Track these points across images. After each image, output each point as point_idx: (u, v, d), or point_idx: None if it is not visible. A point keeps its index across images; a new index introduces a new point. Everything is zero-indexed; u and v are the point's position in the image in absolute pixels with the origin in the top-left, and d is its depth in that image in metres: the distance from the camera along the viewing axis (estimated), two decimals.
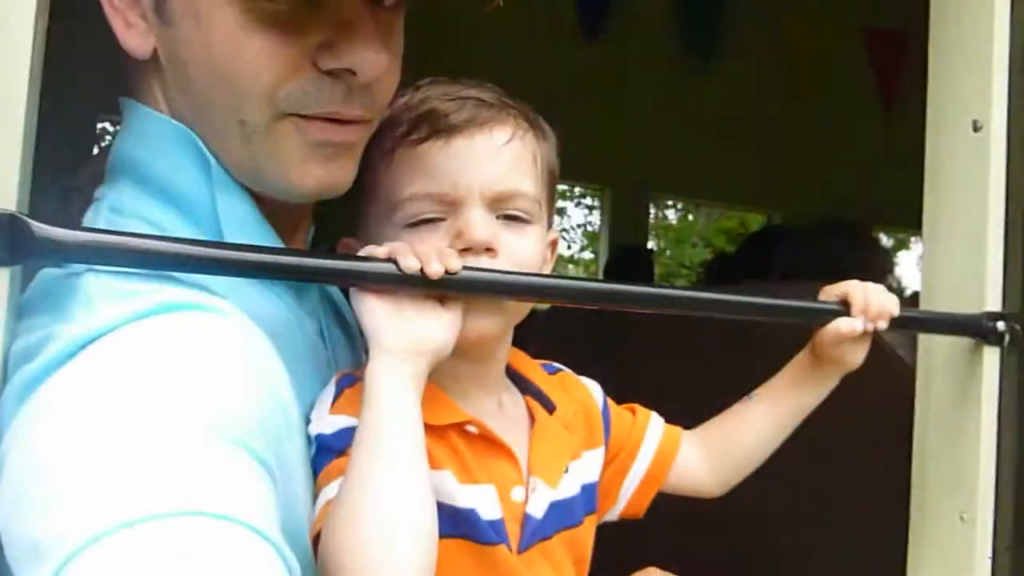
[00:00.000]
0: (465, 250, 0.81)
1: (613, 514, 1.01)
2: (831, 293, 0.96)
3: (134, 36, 0.76)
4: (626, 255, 3.87)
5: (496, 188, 0.84)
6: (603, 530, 0.97)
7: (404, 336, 0.74)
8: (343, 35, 0.75)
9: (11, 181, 0.64)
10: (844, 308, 0.94)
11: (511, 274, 0.81)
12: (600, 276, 3.99)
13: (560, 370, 1.01)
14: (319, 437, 0.79)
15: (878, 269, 2.03)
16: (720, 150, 4.15)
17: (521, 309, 0.88)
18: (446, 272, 0.74)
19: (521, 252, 0.85)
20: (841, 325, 0.93)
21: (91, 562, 0.51)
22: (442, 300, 0.78)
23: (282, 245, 0.82)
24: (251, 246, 0.73)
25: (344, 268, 0.76)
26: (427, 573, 0.69)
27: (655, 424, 1.03)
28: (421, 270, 0.74)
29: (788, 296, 0.95)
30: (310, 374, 0.84)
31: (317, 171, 0.79)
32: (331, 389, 0.82)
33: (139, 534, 0.52)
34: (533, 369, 0.97)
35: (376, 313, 0.75)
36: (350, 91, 0.77)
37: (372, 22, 0.77)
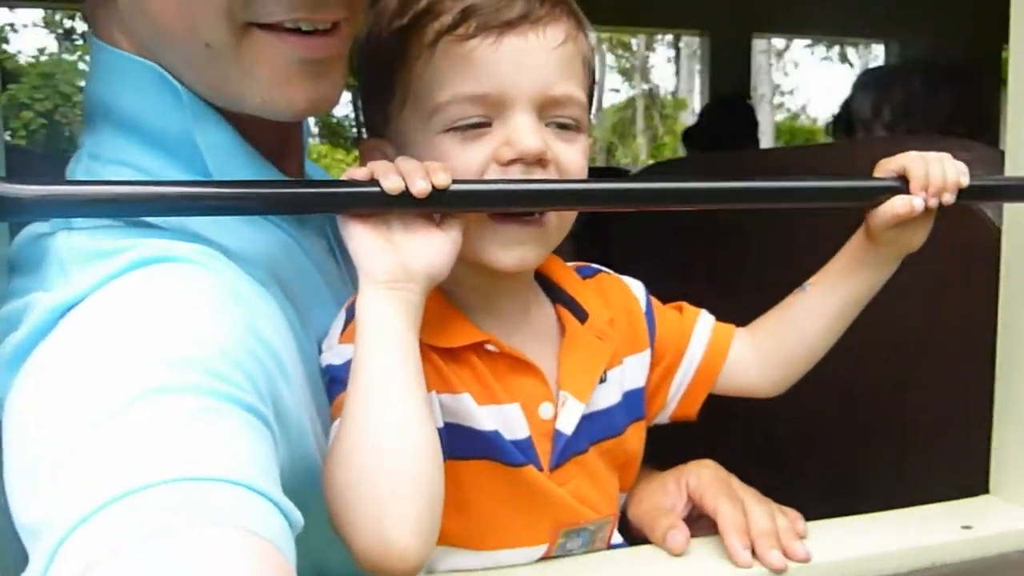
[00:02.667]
0: (512, 161, 0.76)
1: (664, 417, 0.97)
2: (886, 167, 0.85)
3: None
4: (727, 107, 3.65)
5: (549, 92, 0.77)
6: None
7: (392, 264, 0.70)
8: None
9: None
10: (902, 183, 0.84)
11: (507, 182, 0.75)
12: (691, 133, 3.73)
13: (599, 271, 0.95)
14: (329, 368, 0.77)
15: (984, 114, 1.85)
16: None
17: (565, 224, 0.82)
18: (434, 188, 0.69)
19: (572, 163, 0.79)
20: (897, 204, 0.83)
21: (84, 543, 0.51)
22: (439, 218, 0.73)
23: (268, 166, 0.79)
24: (213, 181, 0.70)
25: (322, 194, 0.71)
26: (432, 501, 0.67)
27: (704, 322, 0.96)
28: (406, 189, 0.69)
29: (836, 174, 0.85)
30: (323, 295, 0.81)
31: (303, 90, 0.74)
32: (342, 316, 0.79)
33: (129, 507, 0.51)
34: (566, 274, 0.92)
35: (362, 241, 0.70)
36: None
37: None
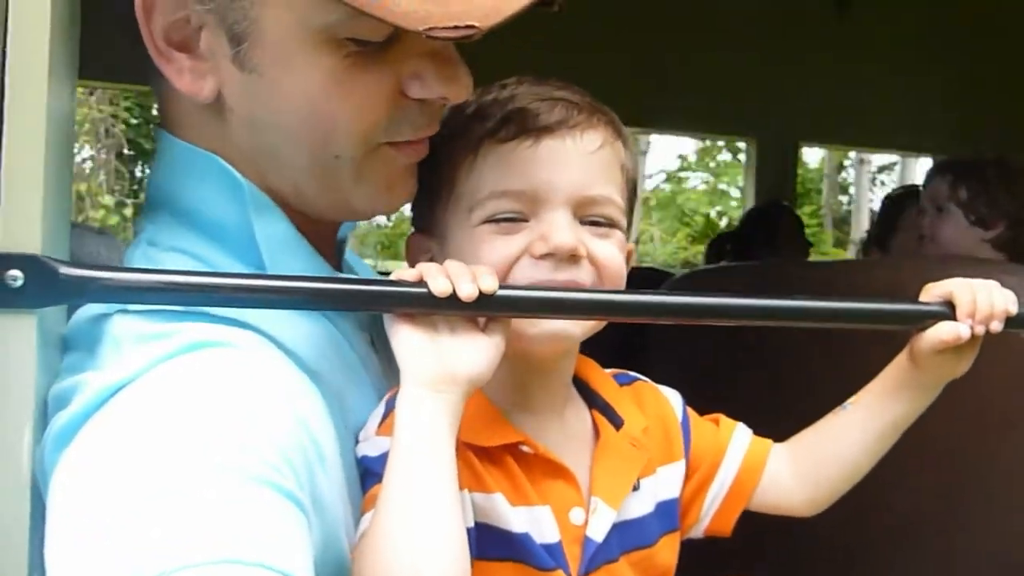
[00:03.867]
0: (545, 255, 0.78)
1: (698, 531, 0.95)
2: (933, 292, 0.86)
3: (190, 81, 0.75)
4: (767, 212, 3.66)
5: (584, 192, 0.81)
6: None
7: (437, 367, 0.71)
8: (430, 64, 0.76)
9: (34, 224, 0.65)
10: (949, 309, 0.84)
11: (552, 290, 0.76)
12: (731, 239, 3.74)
13: (636, 379, 0.96)
14: (364, 459, 0.78)
15: None
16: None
17: (595, 323, 0.83)
18: (481, 293, 0.70)
19: (608, 258, 0.81)
20: (943, 330, 0.82)
21: None
22: (483, 322, 0.74)
23: (320, 259, 0.81)
24: (268, 275, 0.72)
25: (371, 292, 0.73)
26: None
27: (740, 435, 0.96)
28: (453, 292, 0.70)
29: (881, 297, 0.85)
30: (364, 387, 0.83)
31: (404, 190, 0.82)
32: (381, 408, 0.80)
33: None
34: (603, 380, 0.92)
35: (407, 342, 0.71)
36: (434, 113, 0.79)
37: (452, 45, 0.76)
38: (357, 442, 0.80)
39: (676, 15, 3.54)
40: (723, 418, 0.97)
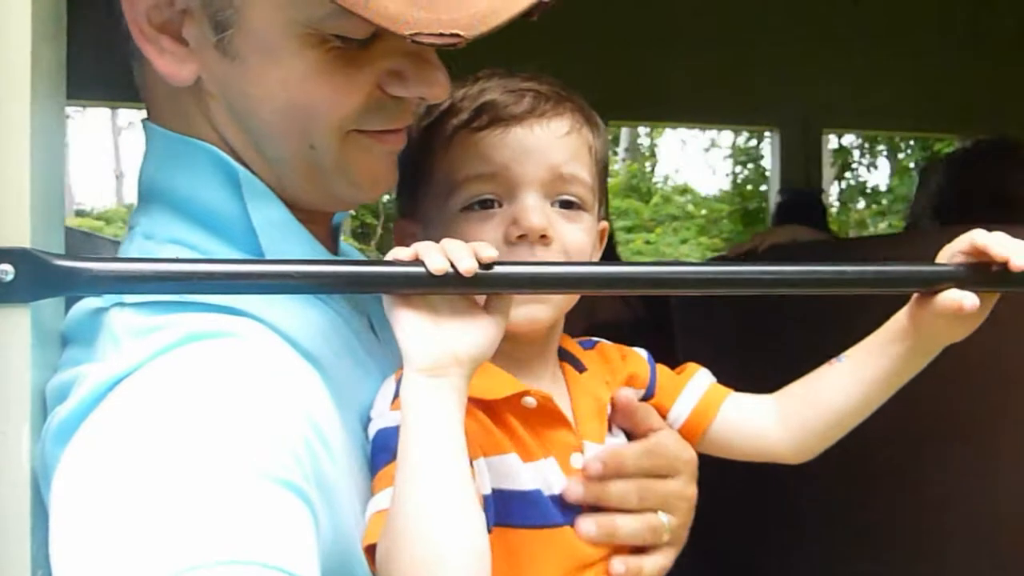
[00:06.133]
0: (520, 237, 0.82)
1: None
2: (952, 249, 0.82)
3: (171, 63, 0.75)
4: (796, 200, 3.63)
5: (554, 171, 0.85)
6: None
7: (437, 351, 0.70)
8: (410, 65, 0.77)
9: (23, 217, 0.65)
10: (965, 271, 0.80)
11: (550, 265, 0.76)
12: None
13: (599, 342, 0.98)
14: (378, 434, 0.77)
15: None
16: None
17: (572, 296, 0.87)
18: (481, 266, 0.69)
19: (574, 240, 0.85)
20: (953, 296, 0.79)
21: None
22: (483, 299, 0.73)
23: (318, 244, 0.81)
24: (265, 260, 0.71)
25: (369, 274, 0.72)
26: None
27: (700, 378, 0.97)
28: (453, 269, 0.69)
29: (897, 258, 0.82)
30: (367, 370, 0.82)
31: (385, 179, 0.83)
32: (391, 386, 0.80)
33: None
34: (569, 342, 0.95)
35: (406, 326, 0.71)
36: (408, 108, 0.82)
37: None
38: (369, 421, 0.79)
39: (691, 6, 3.52)
40: (690, 364, 0.98)
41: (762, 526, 1.55)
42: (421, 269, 0.69)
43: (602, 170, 0.92)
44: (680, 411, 0.95)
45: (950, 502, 1.28)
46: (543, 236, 0.82)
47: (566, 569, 0.82)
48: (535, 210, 0.83)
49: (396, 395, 0.78)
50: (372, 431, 0.78)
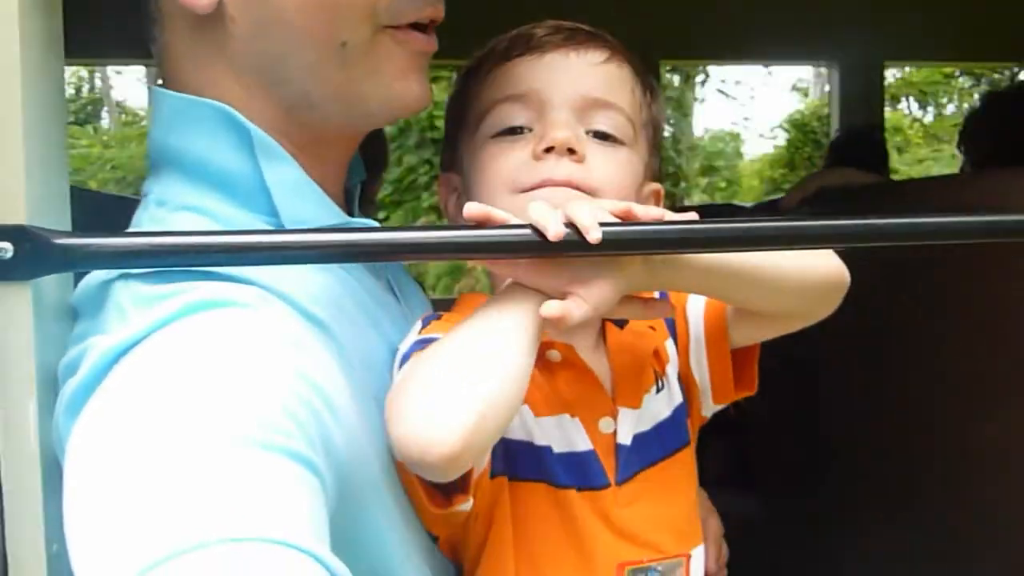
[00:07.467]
0: (547, 151, 0.80)
1: (708, 399, 0.89)
2: None
3: None
4: (855, 139, 3.50)
5: (587, 95, 0.82)
6: None
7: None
8: None
9: (18, 194, 0.64)
10: None
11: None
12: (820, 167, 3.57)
13: None
14: (414, 344, 0.75)
15: None
16: None
17: None
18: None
19: (606, 171, 0.81)
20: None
21: None
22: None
23: (331, 204, 0.80)
24: (299, 230, 0.70)
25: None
26: (496, 420, 0.66)
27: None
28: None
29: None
30: (383, 330, 0.81)
31: (418, 83, 0.80)
32: (417, 325, 0.79)
33: (185, 565, 0.52)
34: None
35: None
36: None
37: None
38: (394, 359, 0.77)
39: None
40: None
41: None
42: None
43: (654, 131, 0.89)
44: (696, 316, 0.88)
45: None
46: (571, 151, 0.79)
47: (567, 532, 0.79)
48: (563, 124, 0.80)
49: (424, 326, 0.77)
50: (401, 351, 0.76)
